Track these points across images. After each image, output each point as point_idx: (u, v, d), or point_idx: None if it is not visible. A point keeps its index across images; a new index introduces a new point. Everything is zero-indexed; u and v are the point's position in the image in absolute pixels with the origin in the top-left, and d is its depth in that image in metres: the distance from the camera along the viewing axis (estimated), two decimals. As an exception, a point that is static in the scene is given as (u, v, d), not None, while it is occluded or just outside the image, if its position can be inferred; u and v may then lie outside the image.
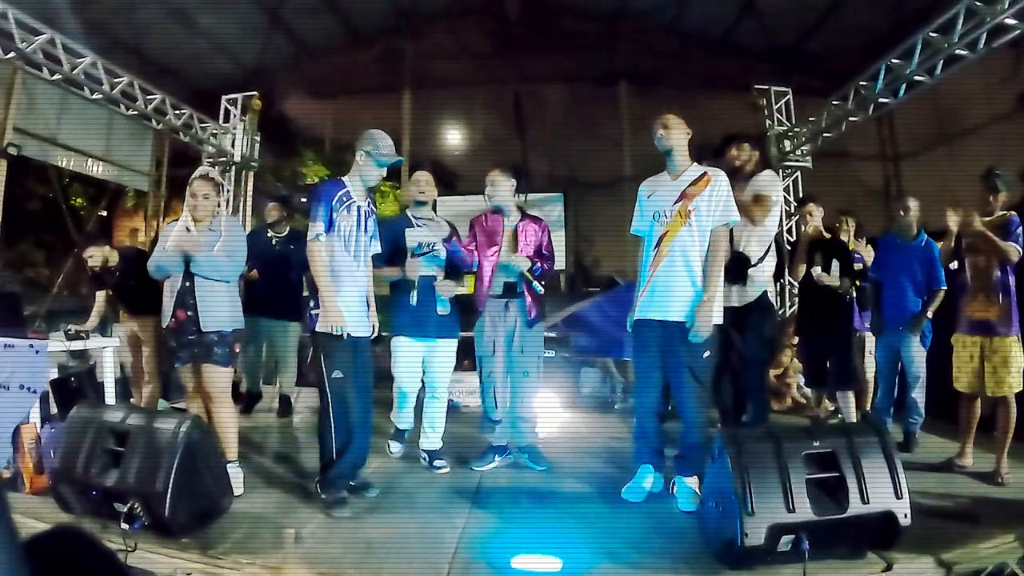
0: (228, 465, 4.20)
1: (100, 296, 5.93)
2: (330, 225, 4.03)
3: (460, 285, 4.88)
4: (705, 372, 4.03)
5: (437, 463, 4.87)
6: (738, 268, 4.66)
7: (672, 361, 4.04)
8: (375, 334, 4.31)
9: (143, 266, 4.60)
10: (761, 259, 4.81)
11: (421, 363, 4.90)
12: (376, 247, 4.31)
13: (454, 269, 4.87)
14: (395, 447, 5.23)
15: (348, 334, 4.01)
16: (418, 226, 4.84)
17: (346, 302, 4.06)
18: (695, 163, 4.17)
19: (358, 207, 4.13)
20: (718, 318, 4.02)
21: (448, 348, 4.93)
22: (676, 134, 4.11)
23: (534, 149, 11.55)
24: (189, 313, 4.23)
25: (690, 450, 4.08)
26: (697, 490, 3.98)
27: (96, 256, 5.58)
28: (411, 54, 12.18)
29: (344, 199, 4.09)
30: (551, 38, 11.57)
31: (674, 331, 4.00)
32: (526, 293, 4.77)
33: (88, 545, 1.51)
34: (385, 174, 4.23)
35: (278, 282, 6.35)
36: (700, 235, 4.01)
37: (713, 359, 4.06)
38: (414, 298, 4.68)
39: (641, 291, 4.15)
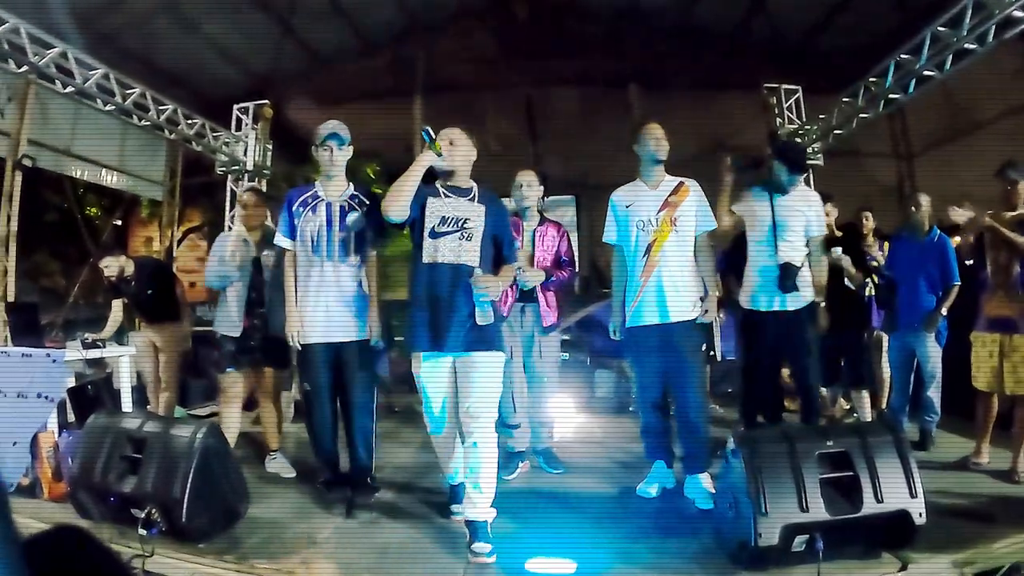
0: (271, 454, 4.70)
1: (116, 305, 6.02)
2: (292, 230, 4.07)
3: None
4: (703, 368, 4.21)
5: (477, 546, 3.34)
6: (788, 274, 4.47)
7: (674, 360, 4.13)
8: (375, 339, 4.16)
9: (159, 275, 4.73)
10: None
11: (450, 388, 3.66)
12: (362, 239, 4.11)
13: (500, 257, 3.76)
14: (455, 508, 3.87)
15: (319, 342, 4.04)
16: (446, 196, 3.65)
17: (314, 308, 4.04)
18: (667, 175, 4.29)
19: (327, 204, 4.08)
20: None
21: (487, 365, 3.55)
22: (667, 145, 4.24)
23: (545, 152, 11.54)
24: (255, 321, 4.50)
25: (698, 447, 4.16)
26: (710, 486, 4.02)
27: (112, 266, 5.70)
28: (421, 60, 12.21)
29: (309, 200, 4.09)
30: (560, 41, 11.56)
31: (674, 332, 4.10)
32: (542, 300, 4.74)
33: (88, 545, 1.52)
34: (343, 155, 4.13)
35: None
36: (686, 241, 4.18)
37: (703, 352, 4.27)
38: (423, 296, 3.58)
39: (634, 299, 4.22)
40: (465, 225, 3.59)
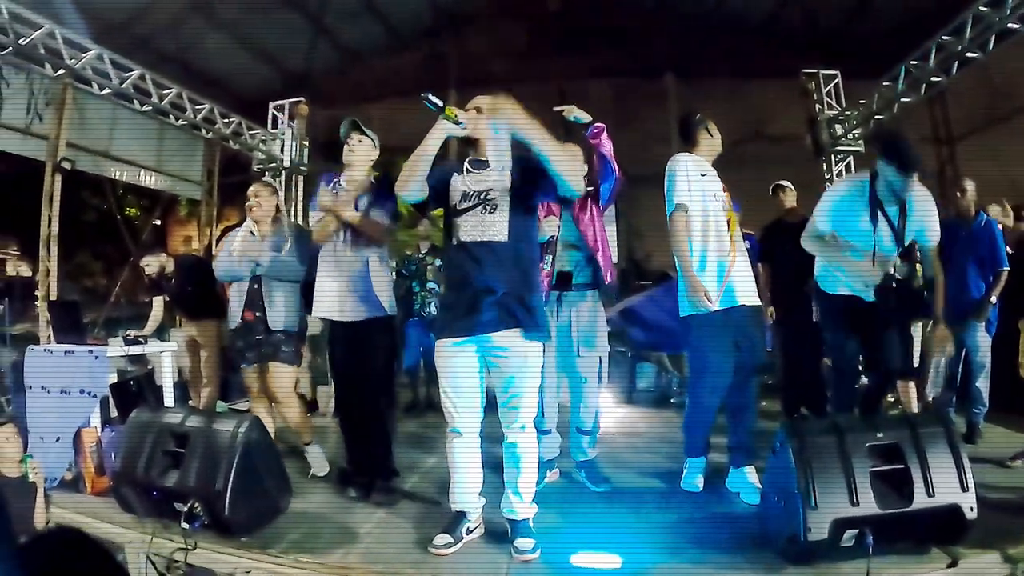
0: (307, 447, 4.64)
1: (158, 302, 6.11)
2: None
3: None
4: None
5: (521, 543, 3.26)
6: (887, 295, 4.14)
7: (747, 347, 3.98)
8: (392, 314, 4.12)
9: (199, 273, 4.76)
10: None
11: (478, 380, 3.37)
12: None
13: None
14: (439, 540, 3.35)
15: (334, 320, 4.09)
16: (468, 171, 3.38)
17: (327, 286, 4.05)
18: None
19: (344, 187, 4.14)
20: None
21: (524, 351, 3.27)
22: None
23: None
24: (257, 314, 4.42)
25: (748, 439, 4.03)
26: (756, 481, 3.91)
27: (153, 264, 5.82)
28: (454, 54, 12.22)
29: (332, 186, 4.12)
30: (593, 32, 11.50)
31: (750, 316, 4.02)
32: (600, 254, 4.22)
33: (87, 545, 1.51)
34: (363, 150, 4.17)
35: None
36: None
37: None
38: (430, 293, 3.45)
39: (724, 277, 3.89)
40: (487, 197, 3.28)
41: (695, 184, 3.94)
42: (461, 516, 3.43)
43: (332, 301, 4.02)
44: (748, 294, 3.97)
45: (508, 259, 3.23)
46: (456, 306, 3.28)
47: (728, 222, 3.97)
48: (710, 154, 4.12)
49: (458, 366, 3.30)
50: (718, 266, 3.91)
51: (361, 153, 4.14)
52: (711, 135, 4.12)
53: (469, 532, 3.43)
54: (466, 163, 3.38)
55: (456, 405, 3.34)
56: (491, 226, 3.24)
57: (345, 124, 4.12)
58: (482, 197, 3.27)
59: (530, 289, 3.31)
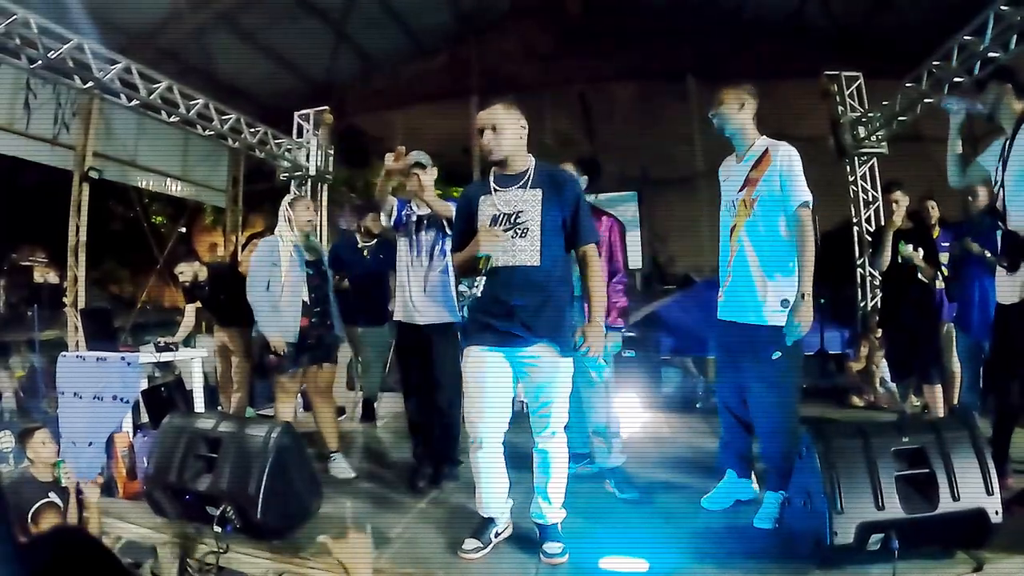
0: (332, 456, 4.79)
1: (190, 310, 6.22)
2: (398, 225, 4.46)
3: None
4: (781, 376, 3.53)
5: (550, 546, 3.26)
6: (1016, 251, 3.65)
7: (745, 367, 3.66)
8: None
9: (231, 280, 4.85)
10: None
11: (509, 388, 3.34)
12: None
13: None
14: (468, 545, 3.33)
15: (413, 324, 4.41)
16: (496, 190, 3.31)
17: (407, 292, 4.44)
18: (762, 137, 3.66)
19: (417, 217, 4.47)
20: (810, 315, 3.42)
21: (554, 361, 3.24)
22: (728, 108, 3.62)
23: (604, 148, 11.50)
24: (313, 320, 4.68)
25: (770, 462, 3.71)
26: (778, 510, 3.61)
27: (187, 272, 5.93)
28: (476, 60, 12.28)
29: (405, 211, 4.46)
30: (614, 35, 11.52)
31: (746, 335, 3.60)
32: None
33: (88, 545, 1.52)
34: (429, 179, 4.29)
35: (368, 290, 6.42)
36: (766, 225, 3.54)
37: (793, 361, 3.57)
38: (476, 287, 3.23)
39: (722, 288, 3.77)
40: (518, 220, 3.21)
41: (723, 196, 3.79)
42: (489, 521, 3.40)
43: (411, 306, 4.42)
44: (741, 311, 3.64)
45: (540, 282, 3.21)
46: (487, 320, 3.23)
47: (732, 228, 3.68)
48: None
49: (488, 372, 3.25)
50: (721, 276, 3.80)
51: (429, 182, 4.29)
52: None
53: (497, 535, 3.43)
54: (492, 183, 3.32)
55: (481, 413, 3.27)
56: (522, 251, 3.20)
57: (414, 158, 4.22)
58: (513, 220, 3.22)
59: (561, 308, 3.29)
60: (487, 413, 3.28)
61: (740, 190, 3.62)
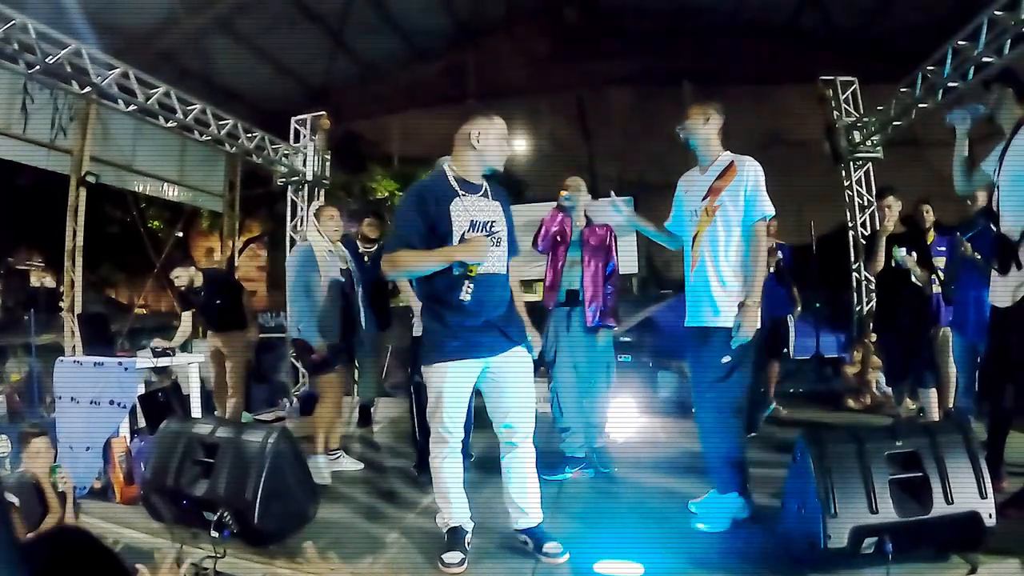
0: (333, 453, 4.97)
1: (186, 316, 6.21)
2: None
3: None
4: (730, 380, 3.61)
5: (548, 547, 3.28)
6: (1007, 254, 3.65)
7: (697, 371, 3.80)
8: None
9: (227, 286, 4.92)
10: None
11: (468, 398, 3.40)
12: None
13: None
14: (452, 559, 3.23)
15: None
16: (463, 193, 3.25)
17: None
18: (726, 152, 3.79)
19: None
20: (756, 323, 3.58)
21: (520, 367, 3.37)
22: (694, 122, 3.76)
23: (601, 153, 11.53)
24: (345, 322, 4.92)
25: (713, 464, 3.77)
26: (740, 513, 3.68)
27: (183, 277, 5.93)
28: (473, 66, 12.30)
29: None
30: (611, 41, 11.55)
31: (699, 338, 3.72)
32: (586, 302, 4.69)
33: (88, 545, 1.53)
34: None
35: (369, 295, 6.39)
36: (727, 234, 3.65)
37: (742, 365, 3.63)
38: (466, 293, 3.16)
39: (688, 296, 3.86)
40: (493, 229, 3.27)
41: (680, 206, 4.00)
42: (459, 529, 3.39)
43: None
44: (699, 315, 3.72)
45: (506, 287, 3.39)
46: (460, 330, 3.23)
47: (694, 237, 3.78)
48: None
49: (460, 385, 3.29)
50: (685, 284, 3.90)
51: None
52: None
53: (469, 542, 3.40)
54: (455, 184, 3.25)
55: (455, 422, 3.30)
56: (499, 259, 3.30)
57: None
58: (489, 229, 3.26)
59: (516, 312, 3.47)
60: (459, 425, 3.33)
61: (704, 199, 3.73)
